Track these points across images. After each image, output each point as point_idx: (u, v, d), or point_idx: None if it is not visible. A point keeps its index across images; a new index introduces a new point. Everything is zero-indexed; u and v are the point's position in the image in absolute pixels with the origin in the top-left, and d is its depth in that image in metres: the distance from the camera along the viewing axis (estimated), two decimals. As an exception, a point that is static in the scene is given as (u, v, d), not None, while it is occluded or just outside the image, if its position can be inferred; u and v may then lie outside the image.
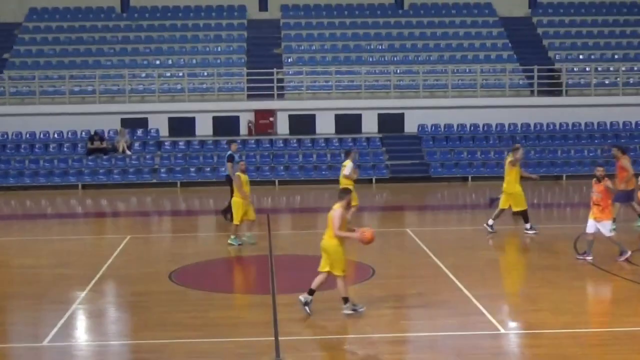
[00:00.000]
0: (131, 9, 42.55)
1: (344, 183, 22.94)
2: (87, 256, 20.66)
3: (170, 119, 36.89)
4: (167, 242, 23.54)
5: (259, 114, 37.13)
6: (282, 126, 37.24)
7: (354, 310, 14.40)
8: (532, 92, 38.58)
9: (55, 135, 36.21)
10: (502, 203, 22.31)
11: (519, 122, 37.12)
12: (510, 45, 40.82)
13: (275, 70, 38.08)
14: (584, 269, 18.30)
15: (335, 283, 14.54)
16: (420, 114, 37.17)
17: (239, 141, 35.79)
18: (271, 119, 37.17)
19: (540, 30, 42.31)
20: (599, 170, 18.59)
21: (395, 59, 39.92)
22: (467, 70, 39.02)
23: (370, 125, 37.10)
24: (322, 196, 31.73)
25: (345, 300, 14.45)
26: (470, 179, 34.99)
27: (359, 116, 37.14)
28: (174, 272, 18.27)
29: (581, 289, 16.45)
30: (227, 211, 24.74)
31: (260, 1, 43.16)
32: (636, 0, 43.80)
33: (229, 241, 21.23)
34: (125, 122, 36.40)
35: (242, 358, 12.72)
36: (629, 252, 18.42)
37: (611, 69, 39.84)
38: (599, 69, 39.73)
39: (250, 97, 38.16)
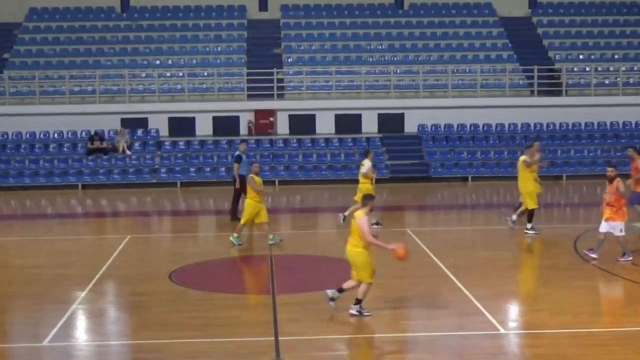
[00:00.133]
0: (131, 9, 42.56)
1: (363, 182, 23.10)
2: (87, 256, 20.68)
3: (170, 119, 36.90)
4: (167, 242, 23.55)
5: (259, 114, 37.13)
6: (282, 126, 37.25)
7: (359, 312, 14.39)
8: (532, 92, 38.59)
9: (55, 135, 36.22)
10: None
11: (519, 122, 37.13)
12: (510, 45, 40.83)
13: (275, 70, 38.09)
14: (584, 268, 18.31)
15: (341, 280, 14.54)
16: (420, 114, 37.17)
17: (239, 141, 35.85)
18: (271, 119, 37.17)
19: (540, 30, 42.32)
20: (610, 171, 18.57)
21: (395, 59, 39.93)
22: (467, 70, 39.03)
23: (370, 125, 37.11)
24: (322, 196, 31.78)
25: (358, 301, 14.44)
26: (470, 179, 35.00)
27: (359, 116, 37.14)
28: (174, 272, 18.28)
29: (581, 288, 16.45)
30: (235, 211, 24.81)
31: (260, 1, 43.18)
32: (636, 0, 43.82)
33: (230, 238, 21.22)
34: (125, 122, 36.41)
35: (242, 358, 12.72)
36: (631, 257, 18.39)
37: (611, 69, 39.85)
38: (599, 69, 39.74)
39: (250, 97, 38.17)
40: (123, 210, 30.28)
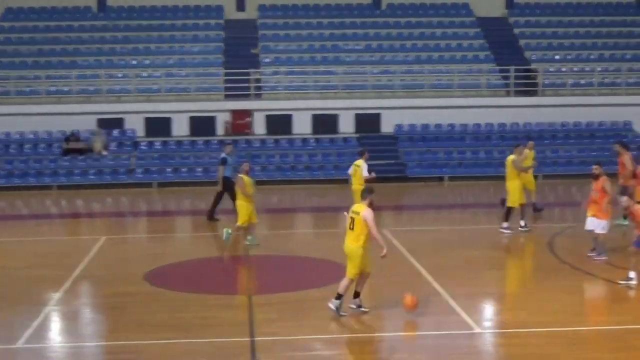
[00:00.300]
0: (108, 9, 42.37)
1: (359, 184, 22.43)
2: (62, 257, 20.51)
3: (147, 119, 36.76)
4: (143, 243, 23.47)
5: (236, 114, 37.08)
6: (259, 126, 37.20)
7: (337, 309, 14.38)
8: (508, 92, 38.74)
9: (31, 136, 35.99)
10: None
11: (495, 122, 37.26)
12: (487, 45, 40.96)
13: (252, 70, 38.04)
14: (559, 268, 18.38)
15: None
16: (397, 114, 37.23)
17: (217, 141, 35.84)
18: (248, 119, 37.12)
19: (516, 31, 42.48)
20: (595, 168, 18.67)
21: (372, 59, 39.97)
22: (444, 71, 39.14)
23: (347, 126, 37.13)
24: (299, 196, 31.76)
25: (339, 296, 14.42)
26: (446, 178, 35.08)
27: (336, 116, 37.16)
28: (149, 273, 18.21)
29: (557, 288, 16.52)
30: (213, 212, 24.76)
31: (237, 1, 43.09)
32: (611, 1, 44.09)
33: (245, 242, 21.04)
34: (101, 123, 36.23)
35: (218, 359, 12.70)
36: (606, 257, 18.46)
37: (587, 69, 40.06)
38: (575, 69, 39.95)
39: (227, 97, 38.10)
40: (99, 211, 30.14)
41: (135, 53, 40.08)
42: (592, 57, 40.81)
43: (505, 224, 22.16)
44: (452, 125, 37.20)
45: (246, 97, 37.87)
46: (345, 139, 36.42)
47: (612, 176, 19.27)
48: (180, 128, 36.81)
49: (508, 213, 22.23)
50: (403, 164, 35.37)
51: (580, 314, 14.77)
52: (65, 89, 37.67)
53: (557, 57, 40.79)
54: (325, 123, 36.96)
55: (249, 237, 21.12)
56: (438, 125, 37.17)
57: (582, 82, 39.38)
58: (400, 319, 14.43)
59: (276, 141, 36.32)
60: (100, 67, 38.68)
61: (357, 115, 37.16)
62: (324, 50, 40.51)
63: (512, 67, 38.44)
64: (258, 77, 38.63)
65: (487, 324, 14.49)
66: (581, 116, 37.53)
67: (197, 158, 35.33)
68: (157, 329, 14.04)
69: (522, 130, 37.00)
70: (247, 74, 37.86)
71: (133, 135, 36.46)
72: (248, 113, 37.17)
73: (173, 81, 38.49)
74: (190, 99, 37.72)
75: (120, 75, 38.70)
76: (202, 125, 36.72)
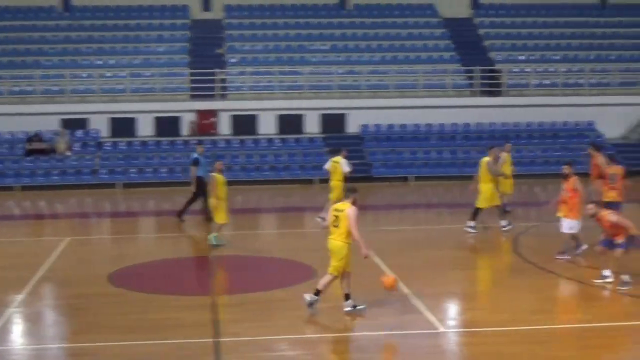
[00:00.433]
0: (73, 8, 42.07)
1: (337, 180, 23.40)
2: (25, 258, 20.33)
3: (112, 120, 36.57)
4: (107, 244, 23.34)
5: (202, 114, 36.99)
6: (225, 126, 37.14)
7: (311, 304, 14.44)
8: (473, 92, 38.96)
9: (-6, 136, 35.73)
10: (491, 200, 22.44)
11: (460, 122, 37.46)
12: (452, 46, 41.16)
13: (218, 70, 37.96)
14: (523, 267, 18.51)
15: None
16: (363, 114, 37.33)
17: (182, 142, 35.73)
18: (213, 119, 37.04)
19: (481, 32, 42.72)
20: (565, 169, 18.81)
21: (338, 59, 40.02)
22: (409, 71, 39.27)
23: (312, 126, 37.17)
24: (264, 196, 31.73)
25: (318, 292, 14.48)
26: (411, 178, 35.20)
27: (302, 116, 37.20)
28: (113, 273, 18.11)
29: (520, 287, 16.63)
30: (183, 212, 24.68)
31: (203, 1, 42.98)
32: (575, 2, 44.43)
33: (213, 242, 20.98)
34: (65, 123, 36.00)
35: (181, 360, 12.67)
36: (569, 257, 18.60)
37: (551, 69, 40.38)
38: (539, 69, 40.25)
39: (192, 97, 38.00)
40: (62, 211, 29.94)
41: (100, 53, 39.85)
42: (556, 57, 41.15)
43: (471, 223, 22.25)
44: (417, 126, 37.35)
45: (211, 97, 37.79)
46: (310, 139, 36.45)
47: (580, 176, 19.39)
48: (145, 128, 36.65)
49: (476, 213, 22.32)
50: (368, 164, 35.45)
51: (543, 312, 14.86)
52: (29, 89, 37.38)
53: (521, 57, 41.08)
54: (290, 123, 36.98)
55: (214, 237, 21.08)
56: (403, 126, 37.30)
57: (546, 82, 39.72)
58: (365, 319, 14.45)
59: (241, 141, 36.28)
60: (64, 67, 38.42)
61: (322, 115, 37.22)
62: (290, 50, 40.50)
63: (477, 68, 38.68)
64: (223, 77, 38.55)
65: (451, 323, 14.55)
66: (545, 116, 37.85)
67: (162, 158, 35.19)
68: (120, 330, 13.96)
69: (487, 130, 37.23)
70: (213, 74, 37.78)
71: (97, 136, 36.24)
72: (213, 113, 37.09)
73: (138, 81, 38.31)
74: (155, 99, 37.55)
75: (84, 75, 38.46)
76: (167, 125, 36.60)
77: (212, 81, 37.79)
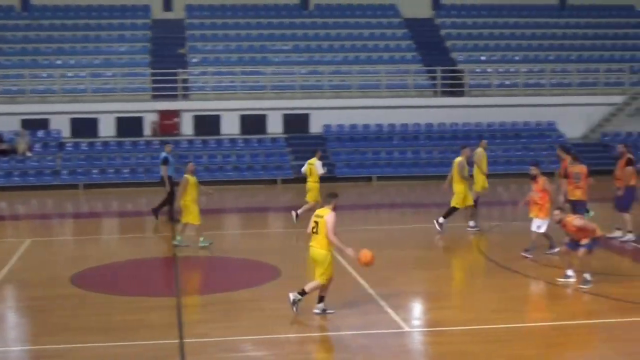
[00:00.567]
0: (32, 7, 41.69)
1: (313, 181, 24.23)
2: (-15, 260, 20.13)
3: (73, 120, 36.27)
4: (69, 245, 23.15)
5: (163, 114, 36.81)
6: (187, 127, 37.00)
7: (294, 302, 14.38)
8: (435, 92, 39.13)
9: (-47, 137, 35.28)
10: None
11: (422, 122, 37.61)
12: (414, 46, 41.32)
13: (179, 70, 37.80)
14: (487, 266, 18.64)
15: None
16: (325, 115, 37.37)
17: (144, 142, 35.53)
18: (176, 119, 36.87)
19: (443, 32, 42.94)
20: (533, 169, 18.95)
21: (300, 59, 40.02)
22: (372, 71, 39.38)
23: (275, 126, 37.13)
24: (226, 197, 31.59)
25: (303, 293, 14.43)
26: (374, 178, 35.29)
27: (264, 117, 37.15)
28: (76, 275, 17.95)
29: (485, 286, 16.74)
30: (159, 209, 24.54)
31: (164, 1, 42.78)
32: (535, 3, 44.81)
33: (174, 243, 20.88)
34: (25, 123, 35.66)
35: (146, 361, 12.59)
36: (531, 255, 18.74)
37: (512, 70, 40.68)
38: (500, 70, 40.53)
39: (154, 97, 37.80)
40: (23, 213, 29.65)
41: (60, 53, 39.50)
42: (516, 58, 41.46)
43: (440, 219, 22.31)
44: (380, 126, 37.45)
45: (174, 97, 37.63)
46: (273, 139, 36.42)
47: (546, 176, 19.55)
48: (106, 129, 36.40)
49: (449, 212, 22.42)
50: (331, 164, 35.45)
51: (506, 311, 14.95)
52: (-12, 89, 37.00)
53: (482, 58, 41.35)
54: (253, 123, 36.93)
55: (178, 238, 20.99)
56: (366, 126, 37.38)
57: (507, 82, 40.01)
58: (331, 319, 14.45)
59: (204, 142, 36.16)
60: (24, 66, 38.06)
61: (285, 115, 37.20)
62: (252, 50, 40.43)
63: (439, 68, 38.87)
64: (185, 77, 38.40)
65: (416, 322, 14.60)
66: (507, 116, 38.11)
67: (124, 159, 34.97)
68: (83, 332, 13.83)
69: (449, 130, 37.44)
70: (175, 74, 37.62)
71: (58, 136, 35.93)
72: (175, 113, 36.92)
73: (99, 81, 38.03)
74: (116, 99, 37.31)
75: (45, 75, 38.12)
76: (129, 125, 36.37)
77: (174, 81, 37.63)
